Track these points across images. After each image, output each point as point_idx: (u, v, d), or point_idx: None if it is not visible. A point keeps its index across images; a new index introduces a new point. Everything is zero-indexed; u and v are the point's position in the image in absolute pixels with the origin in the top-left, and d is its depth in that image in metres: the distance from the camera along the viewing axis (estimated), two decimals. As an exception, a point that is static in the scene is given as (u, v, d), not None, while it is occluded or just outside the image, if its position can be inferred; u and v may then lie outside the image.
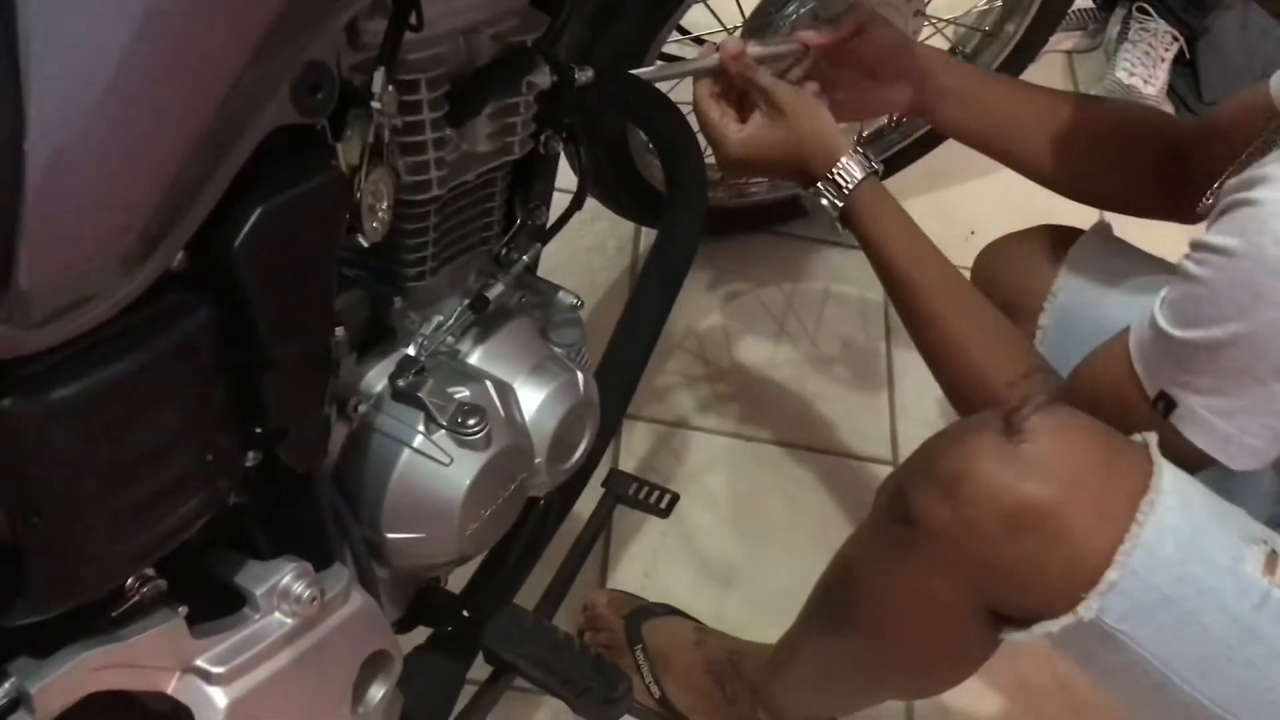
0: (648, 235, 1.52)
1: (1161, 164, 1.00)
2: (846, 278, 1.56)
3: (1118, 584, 0.71)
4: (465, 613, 0.82)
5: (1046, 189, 1.06)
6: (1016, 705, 1.26)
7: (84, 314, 0.48)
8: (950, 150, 1.22)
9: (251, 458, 0.63)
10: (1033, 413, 0.74)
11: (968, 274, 1.07)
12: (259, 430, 0.61)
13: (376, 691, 0.74)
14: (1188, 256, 0.73)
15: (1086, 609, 0.72)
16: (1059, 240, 1.08)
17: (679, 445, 1.38)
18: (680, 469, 1.36)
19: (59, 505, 0.51)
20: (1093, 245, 1.07)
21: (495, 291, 0.78)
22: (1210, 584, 0.72)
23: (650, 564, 1.28)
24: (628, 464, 1.34)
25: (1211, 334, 0.70)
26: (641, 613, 1.19)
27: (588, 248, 1.51)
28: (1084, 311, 0.98)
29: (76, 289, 0.47)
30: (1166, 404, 0.74)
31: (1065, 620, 0.73)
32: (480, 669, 0.87)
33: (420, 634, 0.89)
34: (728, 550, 1.31)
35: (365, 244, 0.63)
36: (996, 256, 1.14)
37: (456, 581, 0.91)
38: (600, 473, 1.03)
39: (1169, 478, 0.73)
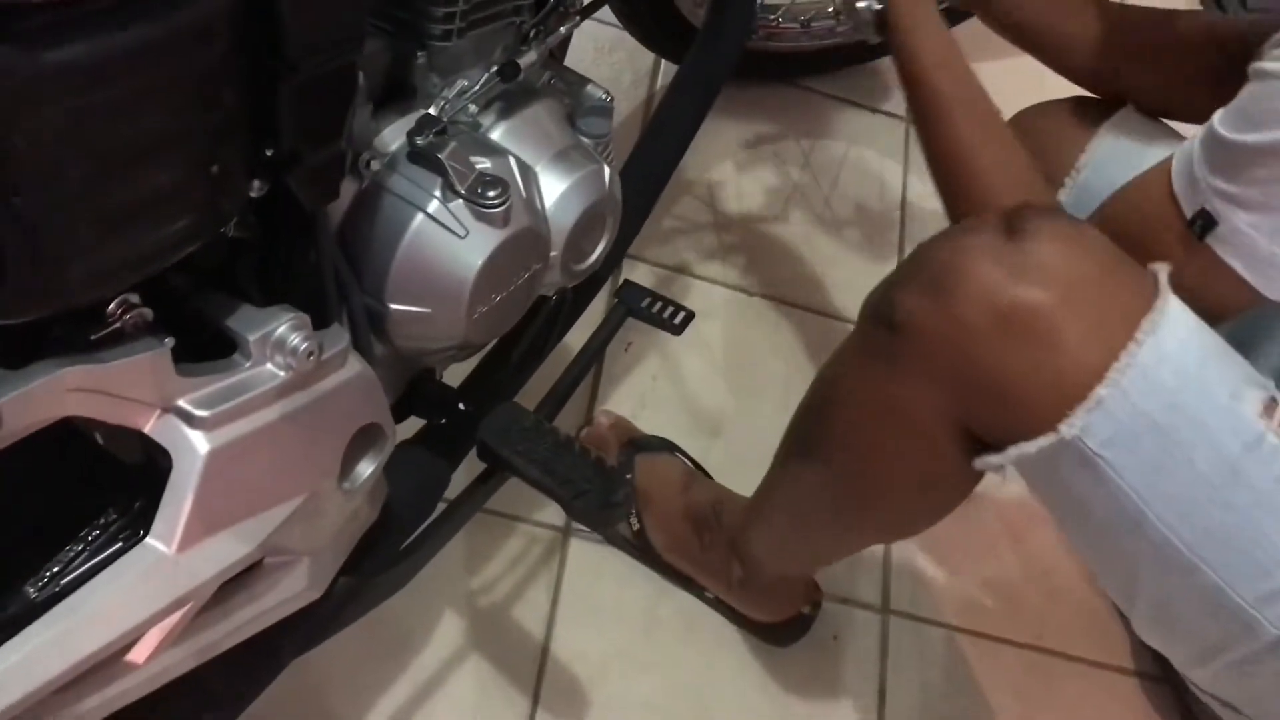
0: (666, 71, 1.45)
1: (1209, 64, 0.95)
2: (869, 141, 1.51)
3: (1106, 403, 0.66)
4: (461, 405, 0.77)
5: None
6: (992, 594, 1.25)
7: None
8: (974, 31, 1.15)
9: (258, 187, 0.57)
10: (1037, 214, 0.70)
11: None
12: (270, 154, 0.55)
13: (365, 468, 0.69)
14: (1262, 59, 0.68)
15: (1069, 427, 0.67)
16: (1095, 112, 1.03)
17: (679, 291, 1.33)
18: (678, 315, 1.31)
19: (41, 186, 0.46)
20: (1129, 121, 1.02)
21: (527, 59, 0.72)
22: (1204, 418, 0.67)
23: (639, 406, 1.24)
24: (624, 302, 1.29)
25: (1276, 136, 0.66)
26: (639, 444, 1.15)
27: (603, 79, 1.44)
28: (1107, 187, 0.93)
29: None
30: (1205, 223, 0.69)
31: (1045, 440, 0.68)
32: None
33: (411, 429, 0.85)
34: (718, 401, 1.27)
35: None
36: (1027, 121, 1.09)
37: (452, 382, 0.87)
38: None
39: (1175, 304, 0.68)
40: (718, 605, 1.14)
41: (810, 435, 0.89)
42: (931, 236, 0.75)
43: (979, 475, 0.78)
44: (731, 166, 1.44)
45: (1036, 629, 1.23)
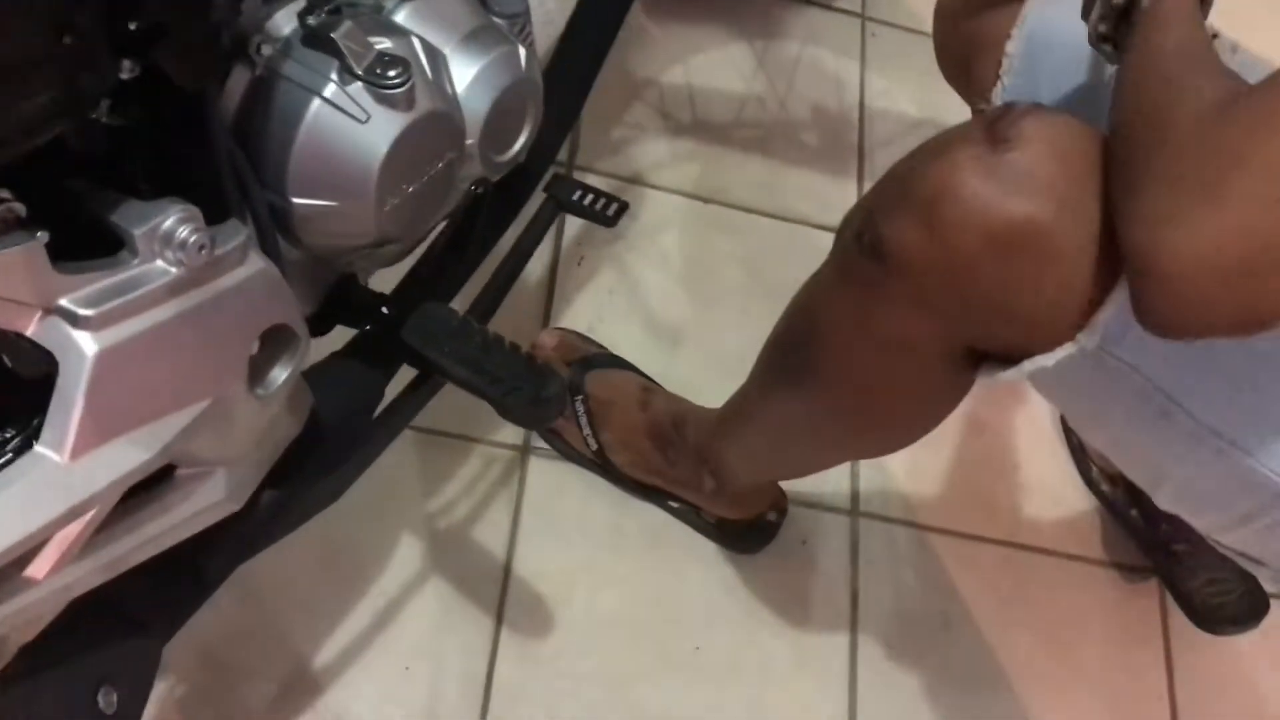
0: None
1: None
2: (824, 41, 1.46)
3: (1124, 307, 0.62)
4: (385, 310, 0.74)
5: None
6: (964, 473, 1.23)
7: None
8: None
9: (128, 68, 0.53)
10: (1020, 118, 0.65)
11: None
12: (132, 27, 0.51)
13: (280, 373, 0.66)
14: None
15: (1088, 336, 0.63)
16: None
17: (633, 201, 1.29)
18: (633, 226, 1.28)
19: None
20: None
21: (426, -67, 0.68)
22: None
23: (595, 320, 1.21)
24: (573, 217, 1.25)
25: None
26: (588, 361, 1.12)
27: (545, -12, 1.39)
28: (1057, 33, 0.88)
29: None
30: None
31: (1063, 351, 0.64)
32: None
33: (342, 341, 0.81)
34: (677, 311, 1.24)
35: None
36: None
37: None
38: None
39: None
40: (683, 515, 1.12)
41: (793, 365, 0.84)
42: (911, 152, 0.69)
43: (971, 384, 0.75)
44: (682, 71, 1.40)
45: (1009, 525, 1.21)
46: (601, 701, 1.03)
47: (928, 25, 0.94)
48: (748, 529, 1.12)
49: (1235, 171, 0.56)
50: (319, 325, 0.78)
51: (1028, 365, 0.67)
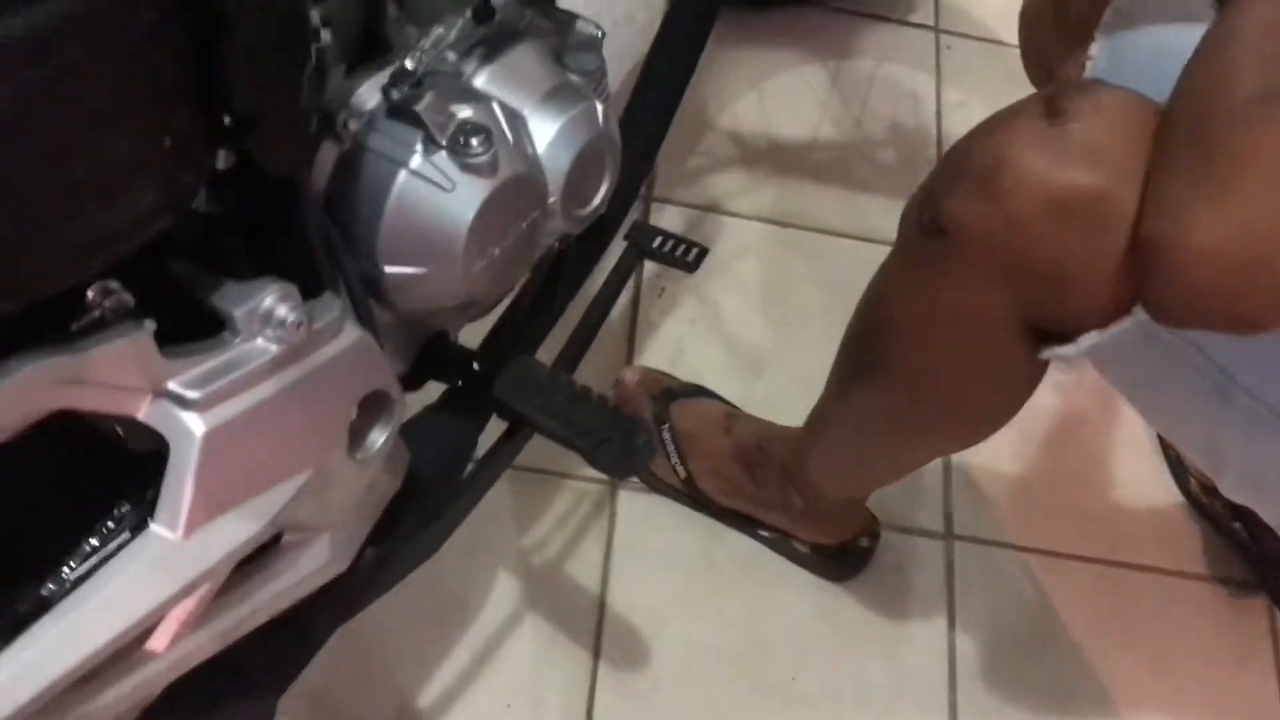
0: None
1: None
2: (898, 56, 1.45)
3: None
4: (475, 365, 0.76)
5: None
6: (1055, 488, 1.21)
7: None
8: None
9: (223, 158, 0.55)
10: (1079, 91, 0.65)
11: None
12: (227, 121, 0.53)
13: (377, 436, 0.68)
14: None
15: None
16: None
17: (710, 230, 1.30)
18: (711, 256, 1.27)
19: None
20: None
21: (502, -1, 0.69)
22: None
23: (677, 351, 1.21)
24: (655, 247, 1.26)
25: None
26: (670, 393, 1.13)
27: (615, 21, 1.40)
28: (1142, 33, 0.86)
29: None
30: None
31: (1119, 326, 0.64)
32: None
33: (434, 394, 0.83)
34: (758, 337, 1.24)
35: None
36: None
37: (472, 342, 0.85)
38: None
39: None
40: (775, 544, 1.12)
41: (866, 359, 0.85)
42: (970, 131, 0.70)
43: (1045, 367, 0.75)
44: (755, 97, 1.40)
45: (1108, 543, 1.19)
46: (701, 733, 1.04)
47: (1002, 34, 0.94)
48: (840, 555, 1.12)
49: (1250, 171, 0.55)
50: (412, 382, 0.79)
51: (1084, 340, 0.67)
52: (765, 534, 1.11)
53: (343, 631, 1.01)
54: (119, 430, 0.62)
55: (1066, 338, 0.68)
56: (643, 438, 0.70)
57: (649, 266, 1.25)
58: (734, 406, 1.14)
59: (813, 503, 1.06)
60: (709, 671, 1.06)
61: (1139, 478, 1.22)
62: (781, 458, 1.05)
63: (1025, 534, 1.18)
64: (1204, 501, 1.20)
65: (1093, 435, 1.23)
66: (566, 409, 0.72)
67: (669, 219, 1.28)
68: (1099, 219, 0.63)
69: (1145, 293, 0.61)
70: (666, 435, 1.10)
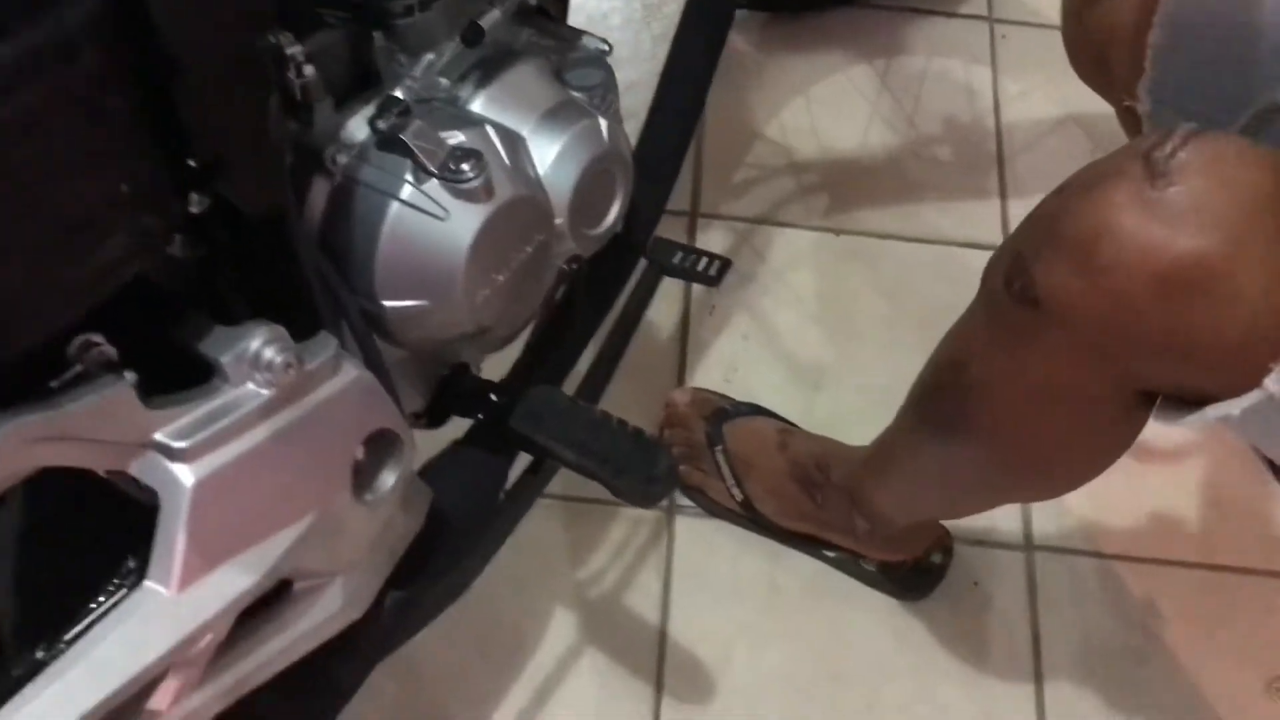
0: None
1: None
2: (950, 50, 1.40)
3: None
4: (494, 397, 0.73)
5: None
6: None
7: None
8: None
9: (197, 201, 0.54)
10: (1180, 145, 0.58)
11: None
12: (192, 163, 0.52)
13: (387, 478, 0.66)
14: None
15: (1276, 382, 0.57)
16: None
17: (761, 244, 1.26)
18: (763, 268, 1.25)
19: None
20: None
21: (490, 19, 0.67)
22: None
23: (730, 370, 1.18)
24: (704, 264, 1.23)
25: None
26: (723, 413, 1.09)
27: (655, 36, 1.38)
28: (1201, 12, 0.80)
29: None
30: None
31: (1250, 399, 0.58)
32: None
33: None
34: (817, 351, 1.20)
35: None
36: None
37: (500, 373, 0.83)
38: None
39: None
40: (841, 564, 1.07)
41: (944, 415, 0.79)
42: (1059, 187, 0.64)
43: (1145, 420, 0.69)
44: (803, 103, 1.36)
45: (1203, 545, 1.11)
46: (773, 767, 0.99)
47: (1059, 19, 0.89)
48: (913, 573, 1.06)
49: None
50: (434, 418, 0.78)
51: (1211, 412, 0.61)
52: (830, 554, 1.07)
53: (399, 674, 1.01)
54: (124, 487, 0.61)
55: (1191, 405, 0.62)
56: (664, 464, 0.67)
57: (698, 286, 1.22)
58: (789, 424, 1.10)
59: (879, 527, 1.01)
60: (779, 703, 1.02)
61: (1231, 475, 1.15)
62: (843, 480, 1.00)
63: (1110, 541, 1.11)
64: (1309, 497, 1.12)
65: (1176, 432, 1.16)
66: (586, 438, 0.69)
67: (716, 234, 1.25)
68: (1217, 291, 0.57)
69: None
70: (720, 458, 1.06)
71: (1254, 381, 0.58)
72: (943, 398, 0.79)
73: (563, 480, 1.09)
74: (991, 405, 0.73)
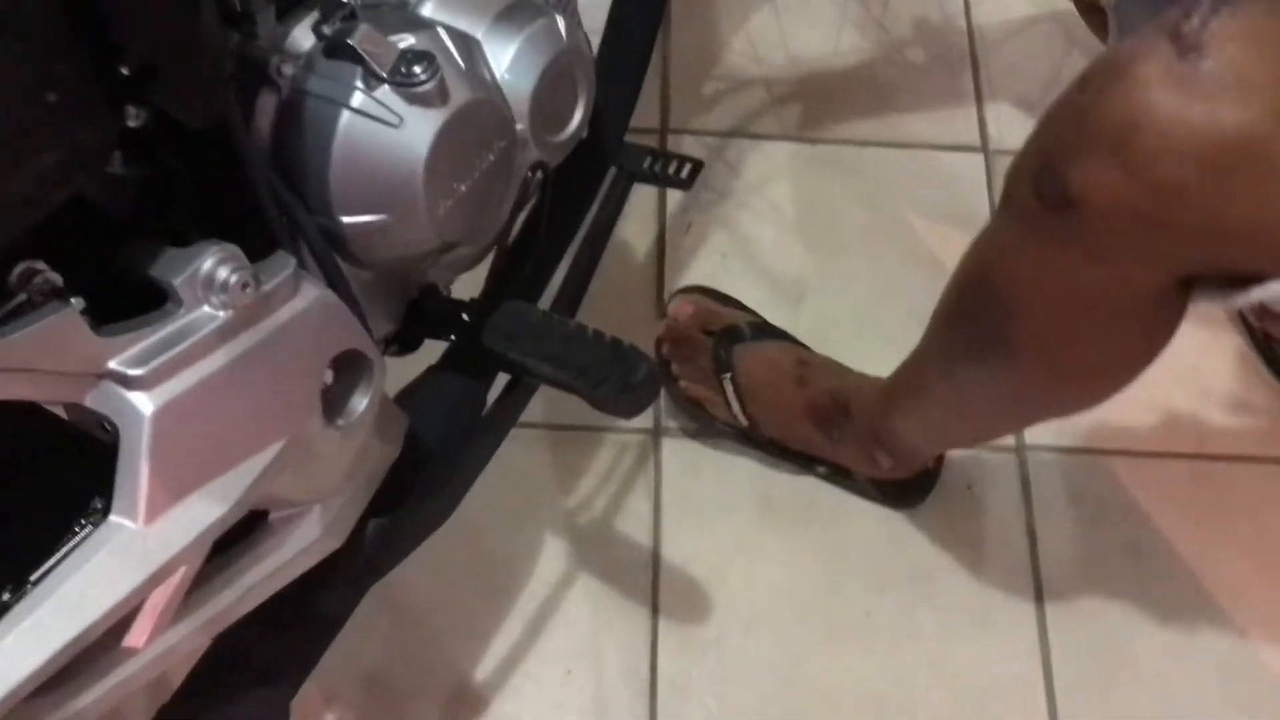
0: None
1: None
2: (915, -51, 1.36)
3: None
4: (465, 317, 0.71)
5: None
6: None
7: None
8: None
9: (134, 115, 0.51)
10: (1210, 15, 0.54)
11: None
12: (124, 71, 0.49)
13: (359, 401, 0.64)
14: None
15: None
16: None
17: (735, 158, 1.23)
18: (738, 183, 1.22)
19: None
20: None
21: (436, -85, 0.64)
22: None
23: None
24: (676, 182, 1.20)
25: None
26: (734, 333, 1.04)
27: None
28: None
29: None
30: None
31: None
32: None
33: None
34: (798, 265, 1.17)
35: None
36: None
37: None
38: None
39: None
40: (833, 479, 1.05)
41: (979, 338, 0.75)
42: (1081, 77, 0.60)
43: (1187, 304, 0.66)
44: (770, 10, 1.32)
45: (1196, 436, 1.10)
46: (774, 682, 0.98)
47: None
48: (905, 482, 1.05)
49: None
50: (406, 343, 0.75)
51: (1258, 292, 0.58)
52: (821, 469, 1.05)
53: (391, 610, 0.99)
54: (86, 428, 0.59)
55: (1228, 281, 0.60)
56: (644, 370, 0.65)
57: (673, 204, 1.19)
58: (806, 348, 1.06)
59: (903, 460, 0.98)
60: (777, 617, 1.01)
61: (1221, 363, 1.13)
62: (864, 417, 0.96)
63: (1103, 436, 1.10)
64: (1303, 380, 1.11)
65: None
66: (561, 350, 0.67)
67: (688, 150, 1.20)
68: (1266, 164, 0.53)
69: None
70: (728, 384, 1.02)
71: None
72: (975, 320, 0.75)
73: (546, 407, 1.08)
74: (1031, 320, 0.69)
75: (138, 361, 0.53)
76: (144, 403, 0.53)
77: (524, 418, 1.05)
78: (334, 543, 0.63)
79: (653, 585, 1.02)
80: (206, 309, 0.56)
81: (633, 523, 1.04)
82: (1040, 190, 0.61)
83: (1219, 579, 1.04)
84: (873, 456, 0.98)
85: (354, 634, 0.96)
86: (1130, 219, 0.57)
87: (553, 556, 1.02)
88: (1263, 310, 1.11)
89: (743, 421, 1.04)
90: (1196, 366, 1.13)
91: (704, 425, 1.07)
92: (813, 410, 1.01)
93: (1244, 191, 0.54)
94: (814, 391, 1.00)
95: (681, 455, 1.07)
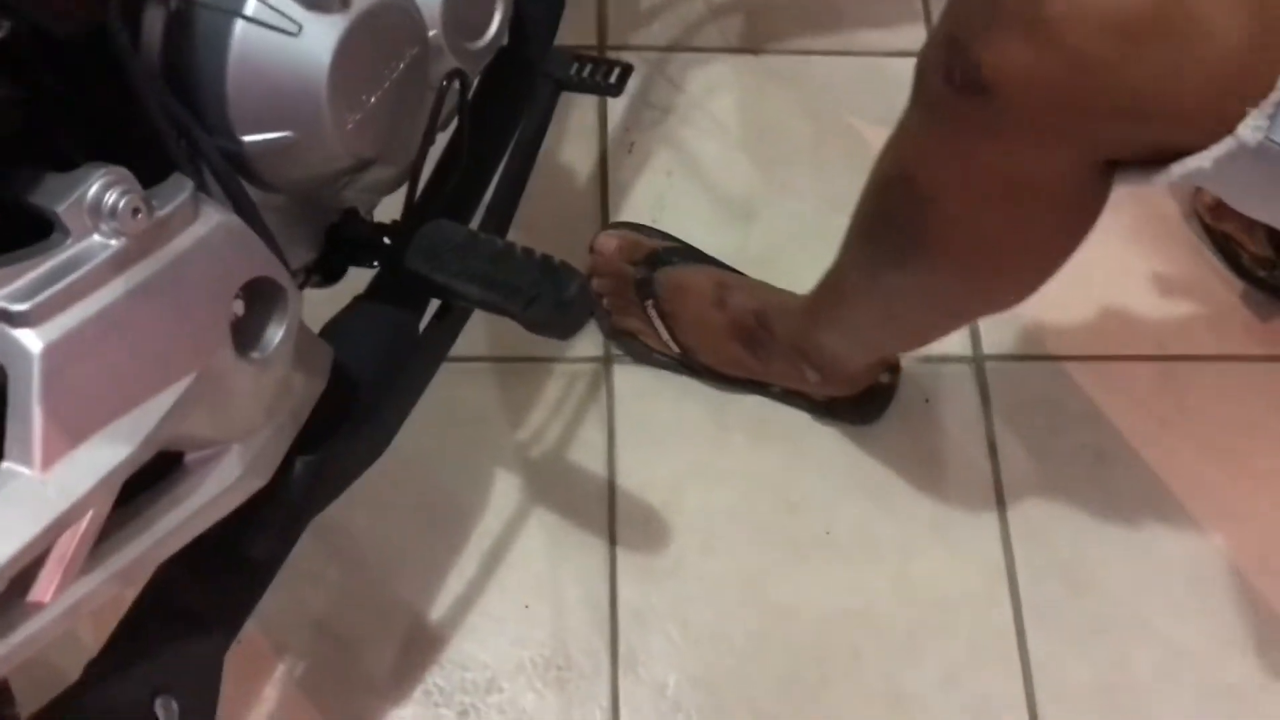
0: None
1: None
2: None
3: None
4: (387, 240, 0.67)
5: None
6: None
7: None
8: None
9: (-2, 26, 0.47)
10: None
11: None
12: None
13: (274, 333, 0.60)
14: None
15: (1251, 128, 0.51)
16: None
17: (676, 72, 1.19)
18: (681, 98, 1.18)
19: None
20: None
21: None
22: None
23: (657, 209, 1.12)
24: (616, 101, 1.15)
25: None
26: (655, 258, 1.02)
27: None
28: None
29: None
30: None
31: (1220, 148, 0.53)
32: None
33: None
34: (745, 180, 1.14)
35: None
36: None
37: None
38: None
39: None
40: (787, 398, 1.03)
41: (898, 239, 0.73)
42: None
43: (1109, 189, 0.64)
44: (706, -80, 1.27)
45: (1157, 337, 1.09)
46: (735, 602, 0.96)
47: None
48: (860, 398, 1.02)
49: None
50: (328, 272, 0.71)
51: (1177, 169, 0.55)
52: (775, 389, 1.02)
53: (340, 557, 0.96)
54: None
55: (1156, 164, 0.57)
56: (574, 286, 0.61)
57: (613, 122, 1.15)
58: (726, 268, 1.04)
59: (831, 373, 0.96)
60: (735, 540, 0.99)
61: (1180, 262, 1.11)
62: (788, 333, 0.94)
63: (1061, 342, 1.08)
64: (1260, 275, 1.09)
65: (1121, 224, 1.12)
66: (489, 270, 0.63)
67: (628, 68, 1.18)
68: (1184, 31, 0.51)
69: None
70: (651, 311, 1.00)
71: (1227, 129, 0.52)
72: (893, 220, 0.73)
73: (492, 340, 1.05)
74: (950, 214, 0.67)
75: (21, 296, 0.49)
76: (31, 340, 0.49)
77: (470, 351, 1.03)
78: (258, 481, 0.60)
79: (609, 515, 0.99)
80: (97, 238, 0.52)
81: (586, 453, 1.01)
82: (951, 77, 0.58)
83: (1181, 479, 1.03)
84: (798, 370, 0.97)
85: (302, 582, 0.94)
86: (1045, 98, 0.55)
87: (506, 492, 1.00)
88: (1219, 208, 1.10)
89: (674, 349, 1.01)
90: (1154, 269, 1.11)
91: (641, 356, 1.04)
92: (736, 330, 0.99)
93: (1161, 60, 0.52)
94: (735, 311, 0.99)
95: (633, 382, 1.04)
